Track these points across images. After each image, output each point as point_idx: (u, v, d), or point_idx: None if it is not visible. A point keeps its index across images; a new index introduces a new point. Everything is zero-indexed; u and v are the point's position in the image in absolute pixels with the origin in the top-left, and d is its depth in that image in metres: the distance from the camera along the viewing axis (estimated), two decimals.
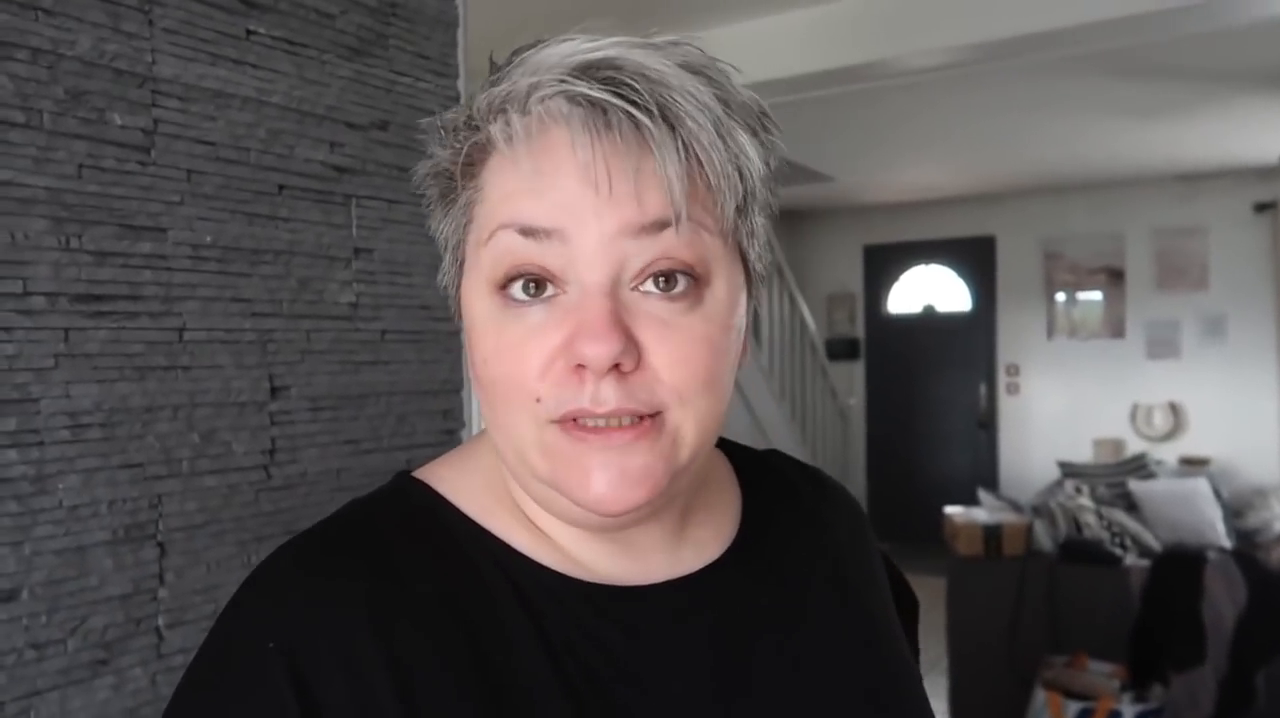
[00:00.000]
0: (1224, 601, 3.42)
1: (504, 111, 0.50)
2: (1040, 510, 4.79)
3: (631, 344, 0.49)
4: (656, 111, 0.48)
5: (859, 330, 7.00)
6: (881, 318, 7.01)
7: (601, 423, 0.49)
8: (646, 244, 0.49)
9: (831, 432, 6.21)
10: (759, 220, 0.54)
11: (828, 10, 2.97)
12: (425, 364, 1.54)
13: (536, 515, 0.57)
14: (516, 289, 0.50)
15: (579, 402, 0.49)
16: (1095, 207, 6.00)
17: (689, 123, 0.49)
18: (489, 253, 0.51)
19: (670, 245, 0.49)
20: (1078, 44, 3.00)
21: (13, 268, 1.06)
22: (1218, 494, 5.06)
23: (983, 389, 6.58)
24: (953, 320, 6.74)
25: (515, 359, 0.50)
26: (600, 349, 0.47)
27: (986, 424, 6.54)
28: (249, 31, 1.28)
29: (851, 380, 6.91)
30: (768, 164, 0.53)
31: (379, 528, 0.56)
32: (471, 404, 1.68)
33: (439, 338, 1.57)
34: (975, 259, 6.58)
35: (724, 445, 0.68)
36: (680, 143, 0.49)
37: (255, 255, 1.30)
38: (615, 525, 0.54)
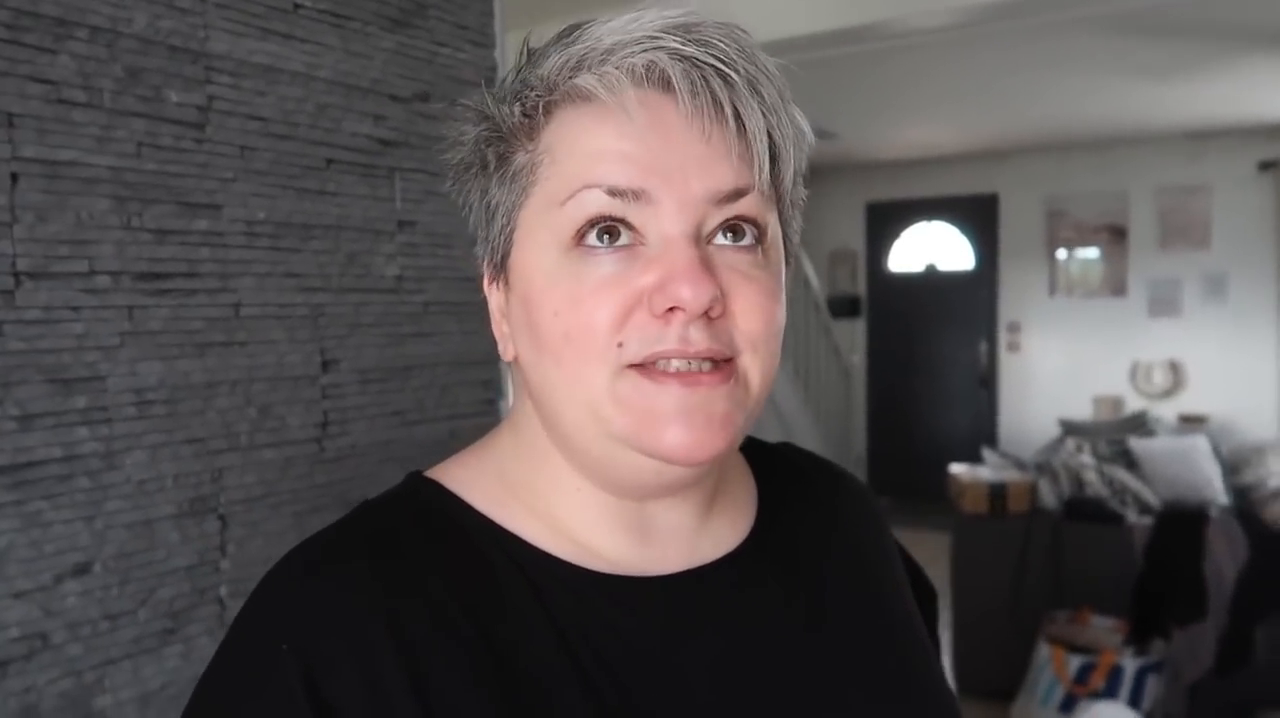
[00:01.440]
0: (1225, 557, 3.50)
1: (594, 67, 0.51)
2: (1043, 468, 4.86)
3: (720, 293, 0.50)
4: (743, 73, 0.50)
5: (860, 288, 7.01)
6: (883, 275, 7.01)
7: (684, 367, 0.50)
8: (726, 208, 0.51)
9: (834, 390, 6.25)
10: (802, 193, 0.57)
11: None
12: (467, 335, 1.56)
13: (554, 506, 0.56)
14: (591, 237, 0.51)
15: (665, 343, 0.49)
16: (1099, 165, 6.00)
17: (765, 89, 0.51)
18: (568, 212, 0.51)
19: (746, 206, 0.52)
20: (1086, 4, 2.98)
21: (79, 248, 1.06)
22: (1216, 452, 5.13)
23: (984, 347, 6.62)
24: (955, 278, 6.75)
25: (594, 305, 0.50)
26: (699, 292, 0.48)
27: (987, 382, 6.59)
28: (296, 5, 1.28)
29: (853, 338, 6.94)
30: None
31: (389, 527, 0.55)
32: (510, 375, 1.70)
33: (479, 309, 1.57)
34: (978, 217, 6.57)
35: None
36: (760, 105, 0.51)
37: (305, 230, 1.31)
38: (678, 481, 0.55)
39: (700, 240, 0.51)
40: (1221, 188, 5.65)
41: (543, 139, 0.52)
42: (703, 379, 0.50)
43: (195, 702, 0.52)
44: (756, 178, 0.51)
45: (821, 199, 7.01)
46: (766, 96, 0.51)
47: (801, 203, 0.57)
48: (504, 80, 0.56)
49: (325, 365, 1.34)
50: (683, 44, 0.49)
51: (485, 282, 0.59)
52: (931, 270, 6.89)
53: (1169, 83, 4.30)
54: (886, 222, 6.95)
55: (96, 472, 1.10)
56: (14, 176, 1.02)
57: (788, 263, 0.57)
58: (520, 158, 0.53)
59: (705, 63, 0.49)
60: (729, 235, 0.51)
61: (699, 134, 0.50)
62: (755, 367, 0.52)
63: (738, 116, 0.50)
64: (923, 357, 6.84)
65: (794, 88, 0.54)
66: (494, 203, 0.55)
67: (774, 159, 0.52)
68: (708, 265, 0.50)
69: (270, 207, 1.26)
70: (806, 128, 0.54)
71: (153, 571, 1.16)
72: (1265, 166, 5.15)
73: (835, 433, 6.21)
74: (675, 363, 0.50)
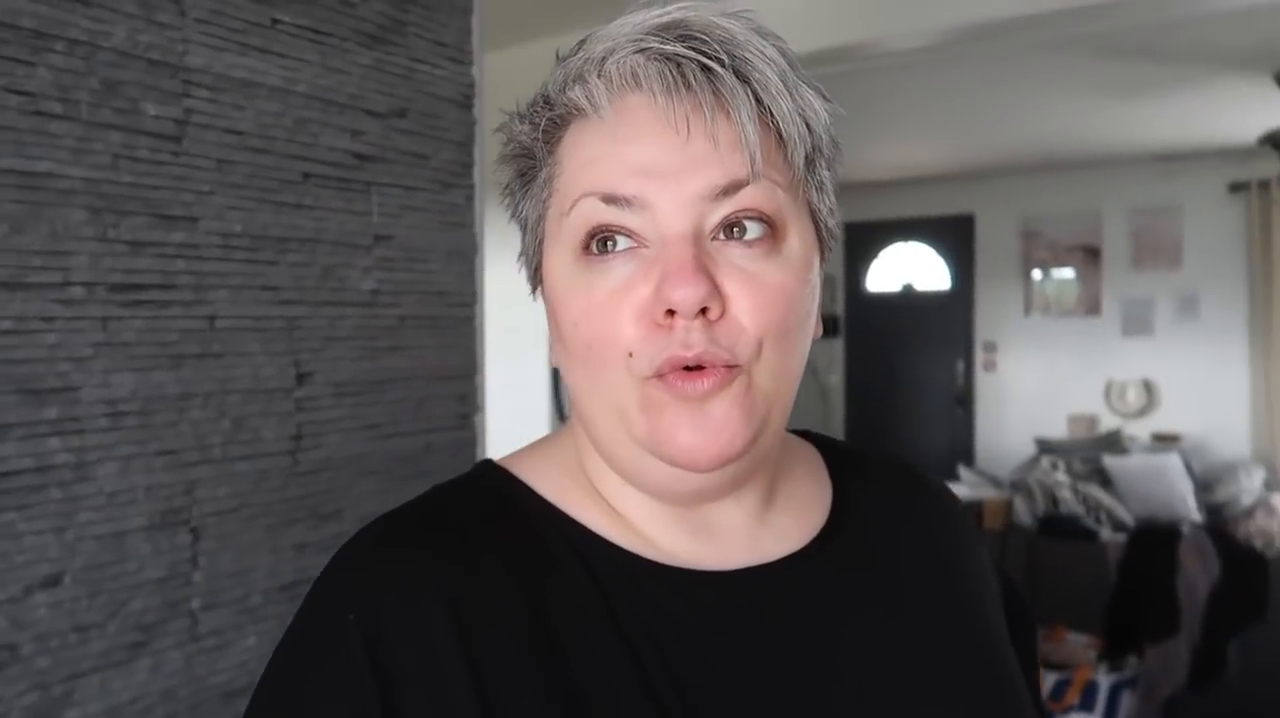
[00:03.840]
0: (1197, 574, 3.53)
1: (581, 79, 0.52)
2: (1018, 486, 4.90)
3: (716, 291, 0.49)
4: (728, 62, 0.50)
5: (839, 308, 7.06)
6: (861, 296, 7.07)
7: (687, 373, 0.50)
8: (725, 203, 0.50)
9: (812, 410, 6.28)
10: (826, 174, 0.56)
11: None
12: (442, 349, 1.56)
13: (615, 497, 0.57)
14: (594, 246, 0.51)
15: (670, 350, 0.49)
16: (1073, 185, 6.08)
17: (757, 75, 0.50)
18: (572, 222, 0.52)
19: (747, 199, 0.51)
20: (1063, 27, 3.03)
21: (54, 258, 1.07)
22: (1189, 470, 5.19)
23: (960, 366, 6.67)
24: (931, 298, 6.81)
25: (607, 316, 0.51)
26: (689, 291, 0.48)
27: (964, 401, 6.64)
28: (275, 20, 1.29)
29: (831, 358, 6.98)
30: (831, 119, 0.55)
31: (452, 508, 0.57)
32: (485, 390, 1.71)
33: (455, 323, 1.59)
34: (954, 237, 6.65)
35: (819, 442, 0.68)
36: (752, 93, 0.50)
37: (282, 243, 1.31)
38: (704, 489, 0.55)
39: (700, 239, 0.50)
40: (1193, 209, 5.74)
41: (557, 152, 0.54)
42: (707, 391, 0.50)
43: (271, 665, 0.53)
44: (758, 162, 0.50)
45: None
46: (759, 82, 0.50)
47: (829, 184, 0.56)
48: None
49: (300, 378, 1.34)
50: (663, 42, 0.50)
51: (532, 293, 0.60)
52: (909, 290, 6.95)
53: (1141, 104, 4.38)
54: (864, 242, 7.01)
55: (68, 483, 1.09)
56: None
57: (825, 247, 0.57)
58: (542, 172, 0.55)
59: (687, 58, 0.49)
60: (733, 231, 0.51)
61: (684, 132, 0.50)
62: (765, 370, 0.51)
63: (724, 109, 0.50)
64: (900, 376, 6.89)
65: None
66: (525, 216, 0.57)
67: (782, 143, 0.52)
68: (704, 264, 0.49)
69: (246, 219, 1.27)
70: (820, 106, 0.53)
71: (123, 583, 1.15)
72: (1235, 188, 5.24)
73: None
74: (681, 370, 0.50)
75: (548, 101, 0.53)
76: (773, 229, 0.51)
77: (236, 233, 1.25)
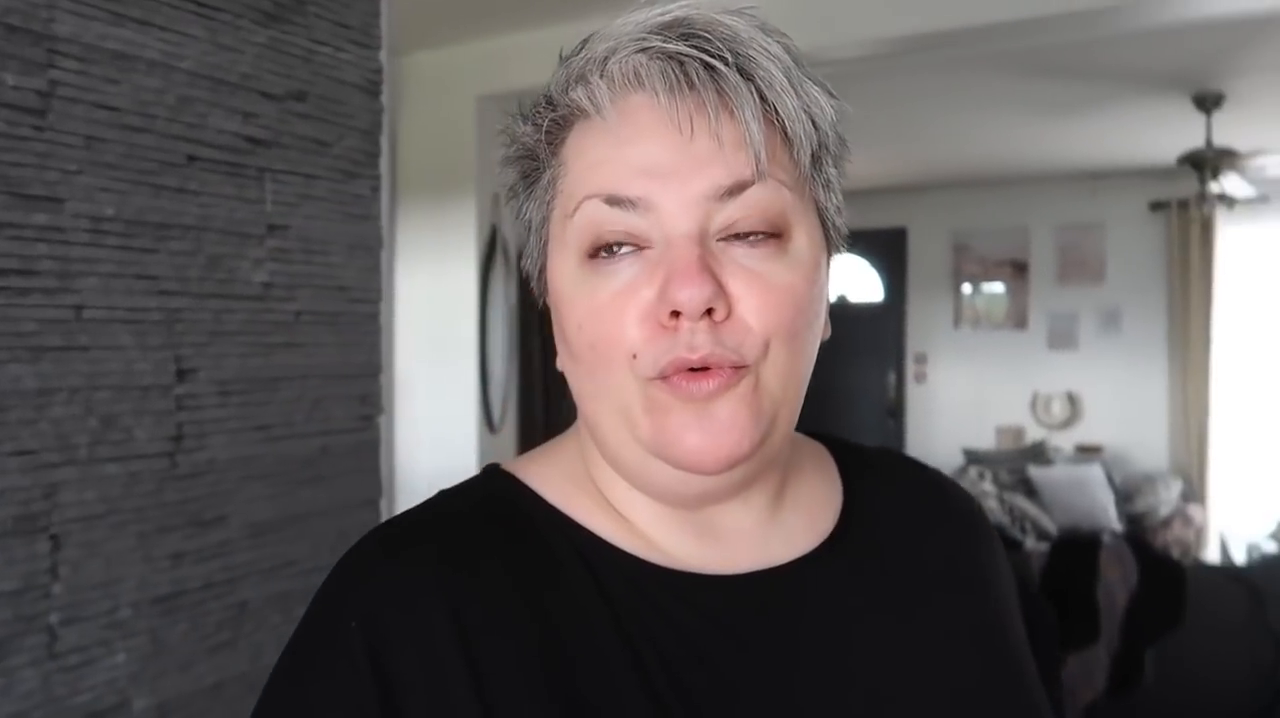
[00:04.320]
0: (1117, 582, 3.59)
1: (583, 79, 0.51)
2: None
3: (722, 292, 0.49)
4: (731, 60, 0.49)
5: None
6: None
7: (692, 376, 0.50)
8: (730, 203, 0.50)
9: None
10: (833, 173, 0.55)
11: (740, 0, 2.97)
12: (342, 347, 1.48)
13: (621, 502, 0.56)
14: (601, 252, 0.51)
15: (675, 352, 0.49)
16: (1002, 201, 6.19)
17: (761, 72, 0.50)
18: (576, 224, 0.51)
19: (752, 199, 0.50)
20: (992, 42, 3.06)
21: None
22: (1110, 480, 5.30)
23: (892, 377, 6.74)
24: (865, 310, 6.87)
25: (611, 318, 0.50)
26: (693, 292, 0.47)
27: (895, 412, 6.70)
28: None
29: None
30: (838, 116, 0.54)
31: (458, 513, 0.56)
32: (392, 390, 1.63)
33: (357, 320, 1.51)
34: (887, 250, 6.71)
35: (830, 443, 0.67)
36: (756, 91, 0.49)
37: (162, 230, 1.22)
38: (710, 491, 0.54)
39: (705, 239, 0.50)
40: (1115, 226, 5.88)
41: (561, 154, 0.54)
42: (713, 391, 0.49)
43: (275, 672, 0.53)
44: (763, 160, 0.49)
45: None
46: (764, 80, 0.50)
47: (836, 182, 0.55)
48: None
49: (180, 375, 1.25)
50: (666, 41, 0.49)
51: (537, 297, 0.60)
52: (842, 302, 7.00)
53: (1066, 123, 4.47)
54: None
55: None
56: None
57: (834, 247, 0.57)
58: (545, 174, 0.54)
59: (690, 56, 0.49)
60: (739, 231, 0.50)
61: (688, 132, 0.49)
62: (772, 371, 0.51)
63: (728, 108, 0.49)
64: (833, 387, 6.93)
65: None
66: (529, 218, 0.56)
67: (787, 142, 0.51)
68: (708, 265, 0.49)
69: (120, 203, 1.17)
70: (826, 102, 0.52)
71: None
72: (1156, 207, 5.37)
73: None
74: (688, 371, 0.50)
75: (550, 102, 0.53)
76: (779, 229, 0.51)
77: (108, 216, 1.16)
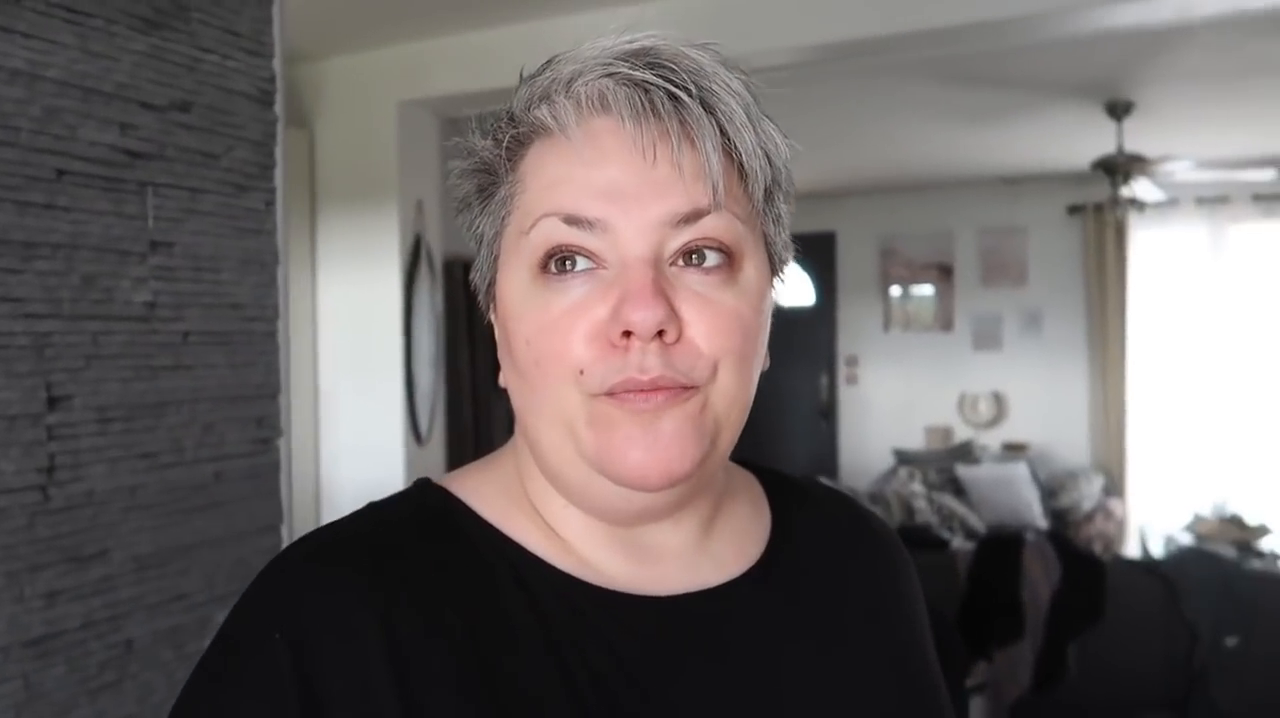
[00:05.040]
0: (1040, 579, 3.65)
1: (548, 99, 0.52)
2: (876, 498, 4.99)
3: (674, 315, 0.50)
4: (695, 93, 0.51)
5: None
6: None
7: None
8: (685, 230, 0.51)
9: None
10: (784, 209, 0.57)
11: (662, 7, 2.95)
12: (236, 368, 1.42)
13: (555, 519, 0.57)
14: (552, 265, 0.52)
15: (625, 372, 0.50)
16: (927, 205, 6.29)
17: (723, 106, 0.51)
18: (531, 240, 0.52)
19: (708, 228, 0.51)
20: (910, 50, 3.11)
21: None
22: (1035, 477, 5.42)
23: (824, 380, 6.80)
24: (797, 314, 6.93)
25: (560, 334, 0.51)
26: (647, 314, 0.48)
27: (827, 414, 6.77)
28: None
29: None
30: (789, 155, 0.56)
31: (389, 526, 0.56)
32: (290, 412, 1.57)
33: (252, 339, 1.45)
34: (818, 254, 6.78)
35: (760, 472, 0.68)
36: (717, 125, 0.51)
37: (28, 249, 1.15)
38: (649, 508, 0.55)
39: (659, 264, 0.51)
40: (1036, 229, 6.02)
41: (519, 170, 0.54)
42: (660, 405, 0.50)
43: (190, 685, 0.52)
44: (720, 191, 0.51)
45: None
46: (725, 114, 0.51)
47: (785, 218, 0.57)
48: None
49: (52, 402, 1.18)
50: (633, 69, 0.51)
51: (484, 310, 0.60)
52: (776, 306, 7.05)
53: (985, 129, 4.55)
54: None
55: None
56: None
57: (779, 278, 0.59)
58: (501, 189, 0.55)
59: (655, 85, 0.50)
60: (692, 258, 0.51)
61: (650, 158, 0.50)
62: (719, 391, 0.52)
63: (690, 138, 0.50)
64: (766, 390, 6.85)
65: None
66: (481, 232, 0.57)
67: (743, 176, 0.53)
68: (662, 288, 0.50)
69: None
70: (780, 140, 0.55)
71: None
72: (1073, 210, 5.50)
73: None
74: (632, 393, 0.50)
75: (512, 119, 0.54)
76: (730, 258, 0.52)
77: None
